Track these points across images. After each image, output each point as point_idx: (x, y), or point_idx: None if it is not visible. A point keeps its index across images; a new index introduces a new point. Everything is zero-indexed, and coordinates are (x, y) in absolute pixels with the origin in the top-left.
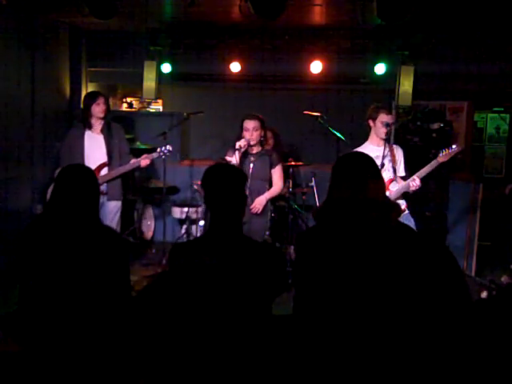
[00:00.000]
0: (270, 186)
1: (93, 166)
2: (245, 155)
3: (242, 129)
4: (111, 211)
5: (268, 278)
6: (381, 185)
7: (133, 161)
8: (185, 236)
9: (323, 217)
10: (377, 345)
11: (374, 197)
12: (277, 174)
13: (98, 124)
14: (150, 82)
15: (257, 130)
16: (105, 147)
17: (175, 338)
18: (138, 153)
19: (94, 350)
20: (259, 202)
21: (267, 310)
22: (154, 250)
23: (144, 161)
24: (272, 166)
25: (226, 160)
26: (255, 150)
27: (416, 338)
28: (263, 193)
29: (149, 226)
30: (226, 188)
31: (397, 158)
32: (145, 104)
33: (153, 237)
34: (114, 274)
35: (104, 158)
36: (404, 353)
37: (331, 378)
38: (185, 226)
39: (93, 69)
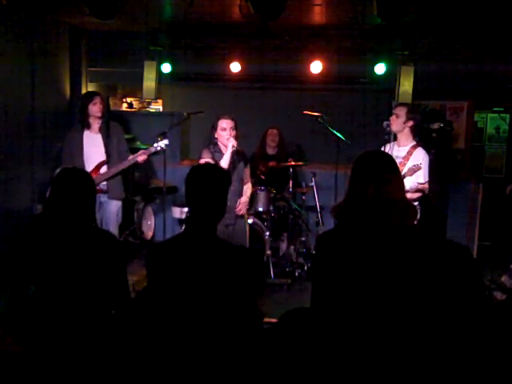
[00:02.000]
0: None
1: (92, 166)
2: (220, 156)
3: (214, 128)
4: (112, 210)
5: (243, 279)
6: (401, 184)
7: (130, 157)
8: None
9: (344, 215)
10: (393, 344)
11: (395, 195)
12: (247, 172)
13: (96, 123)
14: (150, 82)
15: (233, 130)
16: (103, 146)
17: (158, 340)
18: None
19: (86, 349)
20: (244, 204)
21: (246, 311)
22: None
23: (141, 156)
24: (245, 166)
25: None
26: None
27: (431, 340)
28: (240, 192)
29: (149, 226)
30: (207, 189)
31: (408, 161)
32: (145, 104)
33: (153, 237)
34: (110, 277)
35: (103, 157)
36: (417, 350)
37: (344, 373)
38: (185, 226)
39: (93, 69)
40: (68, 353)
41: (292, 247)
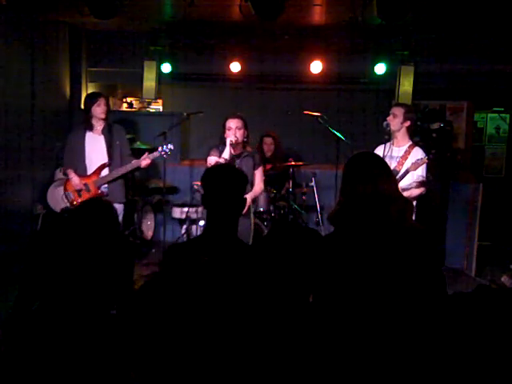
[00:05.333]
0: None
1: (94, 167)
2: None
3: (224, 128)
4: None
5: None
6: (393, 180)
7: (134, 161)
8: (185, 236)
9: (341, 220)
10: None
11: (388, 192)
12: (258, 174)
13: (99, 125)
14: (150, 82)
15: (240, 129)
16: (105, 148)
17: (167, 338)
18: (138, 153)
19: (90, 348)
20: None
21: (267, 313)
22: (153, 250)
23: (144, 161)
24: (255, 167)
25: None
26: (238, 151)
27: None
28: (247, 194)
29: (149, 226)
30: (226, 190)
31: (407, 160)
32: (145, 104)
33: (153, 237)
34: (116, 276)
35: (104, 159)
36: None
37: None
38: (185, 226)
39: (93, 69)
40: (72, 351)
41: None
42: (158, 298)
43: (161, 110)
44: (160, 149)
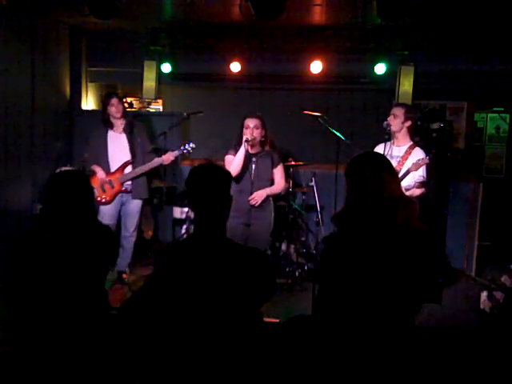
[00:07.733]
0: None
1: (117, 165)
2: (246, 156)
3: (242, 127)
4: (133, 209)
5: (252, 282)
6: (399, 182)
7: (156, 159)
8: (185, 236)
9: (346, 222)
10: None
11: (395, 194)
12: (279, 173)
13: (119, 123)
14: (150, 82)
15: (257, 129)
16: (128, 146)
17: (163, 341)
18: None
19: (86, 349)
20: (258, 195)
21: (254, 315)
22: (154, 250)
23: (167, 158)
24: (273, 166)
25: (211, 160)
26: (256, 150)
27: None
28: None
29: (149, 226)
30: (209, 189)
31: (408, 160)
32: (145, 104)
33: (153, 237)
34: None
35: (127, 157)
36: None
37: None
38: (185, 226)
39: (93, 69)
40: (68, 352)
41: (292, 247)
42: (154, 300)
43: (161, 110)
44: (182, 147)
